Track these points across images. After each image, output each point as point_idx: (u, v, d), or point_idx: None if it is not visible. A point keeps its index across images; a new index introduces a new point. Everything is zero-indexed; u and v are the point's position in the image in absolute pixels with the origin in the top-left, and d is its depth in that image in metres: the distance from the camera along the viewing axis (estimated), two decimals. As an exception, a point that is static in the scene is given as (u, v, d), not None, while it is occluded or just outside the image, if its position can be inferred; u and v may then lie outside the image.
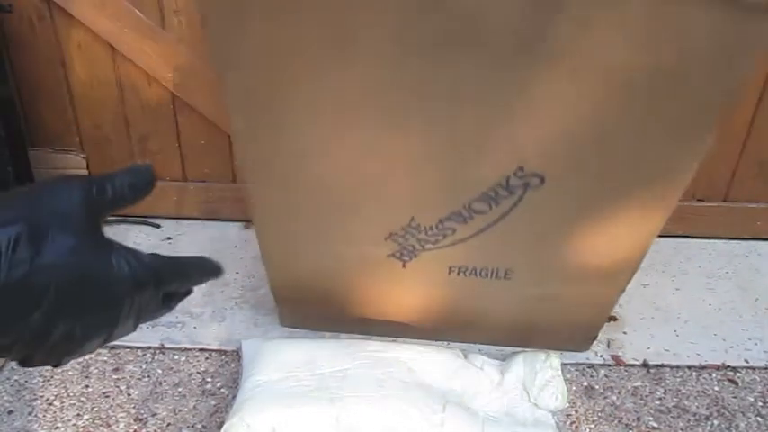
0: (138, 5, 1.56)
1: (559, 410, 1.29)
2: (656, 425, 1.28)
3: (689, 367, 1.42)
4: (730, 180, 1.75)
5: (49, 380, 1.34)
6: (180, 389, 1.34)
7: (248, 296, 1.58)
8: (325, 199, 1.15)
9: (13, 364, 1.37)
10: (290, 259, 1.30)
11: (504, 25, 0.89)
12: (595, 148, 1.02)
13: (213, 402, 1.31)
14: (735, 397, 1.35)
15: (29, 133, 1.72)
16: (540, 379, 1.32)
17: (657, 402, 1.33)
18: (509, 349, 1.42)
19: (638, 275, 1.67)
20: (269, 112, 1.03)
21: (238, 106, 1.03)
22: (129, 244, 0.40)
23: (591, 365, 1.41)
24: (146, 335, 1.45)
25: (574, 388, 1.35)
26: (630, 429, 1.27)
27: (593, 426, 1.27)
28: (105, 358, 1.40)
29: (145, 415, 1.28)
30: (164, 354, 1.42)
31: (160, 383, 1.35)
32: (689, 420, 1.29)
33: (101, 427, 1.25)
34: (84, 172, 1.78)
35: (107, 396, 1.31)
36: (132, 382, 1.35)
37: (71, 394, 1.31)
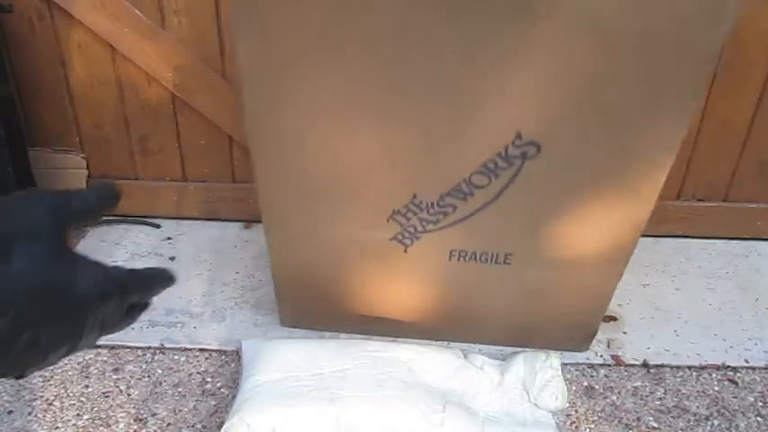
0: (138, 5, 1.56)
1: (559, 410, 1.29)
2: (656, 425, 1.28)
3: (689, 367, 1.42)
4: (730, 180, 1.75)
5: (48, 380, 1.34)
6: (180, 389, 1.34)
7: (248, 296, 1.58)
8: (329, 176, 1.17)
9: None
10: (294, 244, 1.30)
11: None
12: (588, 113, 1.04)
13: (213, 402, 1.31)
14: (735, 397, 1.35)
15: (29, 133, 1.72)
16: (540, 379, 1.32)
17: (657, 402, 1.33)
18: (509, 349, 1.42)
19: (638, 275, 1.67)
20: (280, 86, 1.06)
21: (253, 75, 1.05)
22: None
23: (591, 365, 1.41)
24: (146, 335, 1.45)
25: (574, 388, 1.35)
26: (631, 429, 1.27)
27: (593, 426, 1.27)
28: (105, 358, 1.40)
29: (145, 415, 1.28)
30: (164, 354, 1.42)
31: (160, 383, 1.35)
32: (689, 420, 1.29)
33: (101, 427, 1.25)
34: (84, 172, 1.78)
35: (107, 396, 1.31)
36: (132, 383, 1.35)
37: (71, 394, 1.32)
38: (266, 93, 1.07)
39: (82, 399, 1.31)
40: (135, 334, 1.44)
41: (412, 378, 1.29)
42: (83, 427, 1.25)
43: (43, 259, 0.38)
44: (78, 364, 1.38)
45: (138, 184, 1.82)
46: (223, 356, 1.42)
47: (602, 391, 1.35)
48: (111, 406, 1.29)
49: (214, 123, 1.71)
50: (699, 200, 1.78)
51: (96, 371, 1.37)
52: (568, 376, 1.37)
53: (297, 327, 1.48)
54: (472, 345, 1.43)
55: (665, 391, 1.36)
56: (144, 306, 0.47)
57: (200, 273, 1.66)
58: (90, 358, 1.39)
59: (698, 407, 1.32)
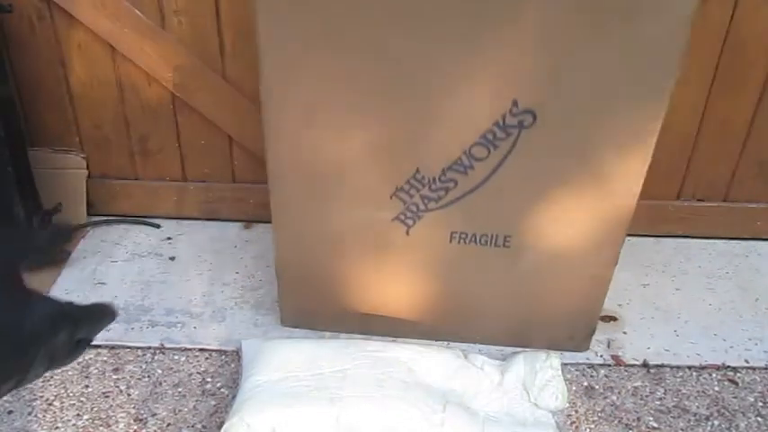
0: (138, 5, 1.56)
1: (559, 410, 1.29)
2: (656, 425, 1.28)
3: (689, 367, 1.41)
4: (730, 180, 1.75)
5: (48, 380, 1.34)
6: (180, 389, 1.34)
7: (248, 296, 1.58)
8: (336, 151, 1.19)
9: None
10: (300, 229, 1.31)
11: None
12: (578, 79, 1.09)
13: (213, 402, 1.31)
14: (735, 397, 1.35)
15: (29, 133, 1.72)
16: (540, 379, 1.32)
17: (658, 402, 1.33)
18: (509, 349, 1.42)
19: (638, 275, 1.67)
20: (295, 62, 1.11)
21: (270, 51, 1.10)
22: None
23: (591, 365, 1.41)
24: (146, 335, 1.45)
25: (574, 388, 1.35)
26: (631, 429, 1.27)
27: (593, 426, 1.27)
28: (105, 358, 1.40)
29: (145, 415, 1.28)
30: (164, 354, 1.42)
31: (160, 383, 1.35)
32: (689, 420, 1.29)
33: (100, 428, 1.25)
34: (84, 172, 1.78)
35: (107, 396, 1.31)
36: (132, 383, 1.35)
37: (71, 394, 1.31)
38: (282, 67, 1.12)
39: (82, 399, 1.31)
40: (135, 334, 1.44)
41: (412, 378, 1.29)
42: (83, 427, 1.25)
43: None
44: (78, 364, 1.38)
45: (138, 184, 1.82)
46: (223, 356, 1.42)
47: (602, 391, 1.35)
48: (111, 406, 1.29)
49: (214, 123, 1.71)
50: (699, 200, 1.78)
51: (96, 371, 1.37)
52: (568, 376, 1.37)
53: (297, 326, 1.48)
54: (472, 345, 1.43)
55: (665, 391, 1.36)
56: (89, 341, 0.48)
57: (200, 273, 1.66)
58: (90, 358, 1.39)
59: (698, 407, 1.32)
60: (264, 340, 1.39)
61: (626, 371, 1.40)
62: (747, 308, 1.59)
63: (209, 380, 1.36)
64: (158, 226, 1.83)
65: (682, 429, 1.28)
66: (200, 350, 1.43)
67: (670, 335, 1.50)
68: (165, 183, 1.81)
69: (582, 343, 1.42)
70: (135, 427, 1.25)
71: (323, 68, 1.11)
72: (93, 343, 1.47)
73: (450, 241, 1.28)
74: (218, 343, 1.44)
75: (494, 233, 1.26)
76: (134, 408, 1.29)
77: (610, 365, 1.41)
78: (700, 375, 1.40)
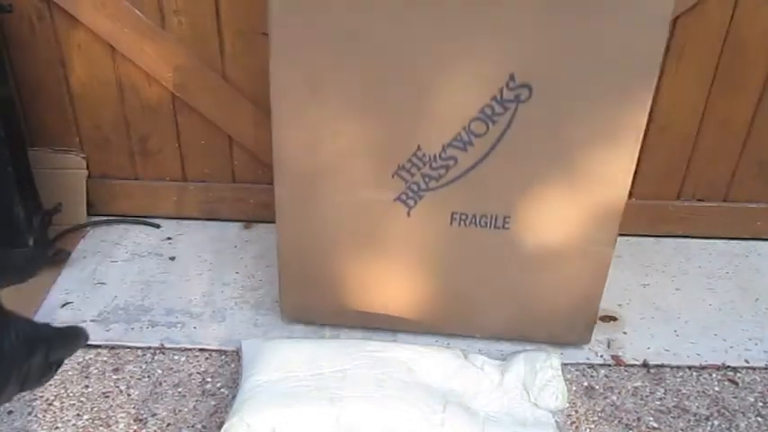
0: (138, 5, 1.56)
1: (559, 410, 1.29)
2: (656, 425, 1.28)
3: (689, 367, 1.42)
4: (730, 180, 1.75)
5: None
6: (180, 389, 1.34)
7: (248, 296, 1.58)
8: (339, 127, 1.22)
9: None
10: (303, 213, 1.32)
11: None
12: (572, 52, 1.12)
13: (213, 402, 1.31)
14: (735, 397, 1.35)
15: (29, 133, 1.72)
16: (540, 379, 1.32)
17: (658, 402, 1.33)
18: (509, 349, 1.42)
19: (638, 275, 1.67)
20: (303, 34, 1.15)
21: (280, 19, 1.14)
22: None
23: (591, 365, 1.41)
24: (146, 335, 1.45)
25: (574, 388, 1.35)
26: (631, 430, 1.27)
27: (593, 426, 1.27)
28: (105, 358, 1.40)
29: (145, 415, 1.28)
30: (164, 354, 1.42)
31: (160, 384, 1.35)
32: (689, 421, 1.29)
33: (100, 428, 1.25)
34: (84, 172, 1.78)
35: (107, 396, 1.31)
36: (132, 383, 1.35)
37: (71, 394, 1.31)
38: (288, 51, 1.16)
39: (82, 399, 1.31)
40: (135, 334, 1.44)
41: (412, 378, 1.29)
42: (83, 427, 1.25)
43: None
44: (78, 364, 1.38)
45: (138, 184, 1.82)
46: (223, 356, 1.41)
47: (602, 391, 1.35)
48: (111, 406, 1.29)
49: (214, 123, 1.71)
50: (699, 200, 1.78)
51: (96, 371, 1.37)
52: (568, 376, 1.37)
53: (298, 320, 1.48)
54: (472, 343, 1.43)
55: (666, 391, 1.36)
56: (60, 364, 0.49)
57: (200, 273, 1.66)
58: (90, 358, 1.40)
59: (698, 407, 1.32)
60: (264, 340, 1.39)
61: (626, 371, 1.40)
62: (747, 308, 1.59)
63: (209, 380, 1.36)
64: (158, 226, 1.83)
65: (682, 429, 1.28)
66: (200, 350, 1.43)
67: (670, 335, 1.50)
68: (165, 183, 1.81)
69: (583, 335, 1.41)
70: (135, 427, 1.25)
71: (325, 49, 1.15)
72: (94, 343, 1.47)
73: (451, 223, 1.29)
74: (218, 343, 1.44)
75: (493, 214, 1.28)
76: (134, 408, 1.29)
77: (610, 365, 1.41)
78: (700, 375, 1.40)
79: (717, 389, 1.37)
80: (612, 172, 1.23)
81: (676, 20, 1.52)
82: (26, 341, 0.41)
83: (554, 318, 1.39)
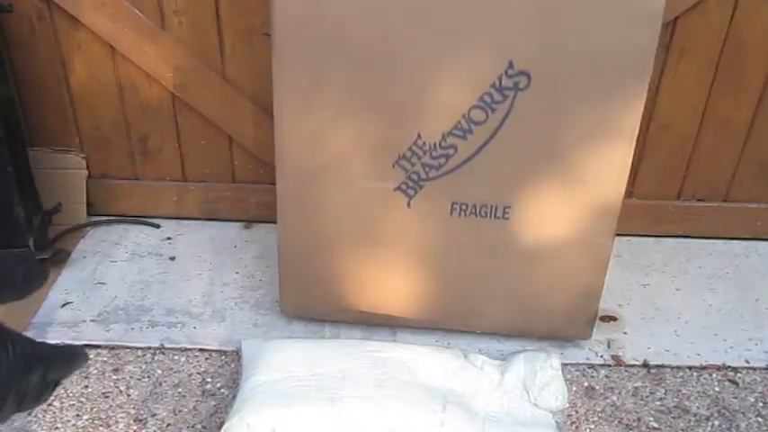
0: (138, 5, 1.56)
1: (559, 410, 1.29)
2: (656, 425, 1.28)
3: (689, 367, 1.41)
4: (730, 180, 1.75)
5: (48, 380, 1.34)
6: (180, 389, 1.34)
7: (248, 296, 1.58)
8: (341, 117, 1.22)
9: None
10: (304, 202, 1.32)
11: None
12: (569, 39, 1.14)
13: (213, 403, 1.31)
14: (735, 397, 1.35)
15: (29, 133, 1.72)
16: (540, 379, 1.32)
17: (658, 403, 1.33)
18: (509, 349, 1.42)
19: (638, 275, 1.67)
20: (306, 25, 1.16)
21: (282, 33, 1.16)
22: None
23: (591, 366, 1.41)
24: (146, 335, 1.45)
25: (574, 388, 1.35)
26: (631, 430, 1.27)
27: (593, 426, 1.27)
28: (105, 358, 1.40)
29: (145, 415, 1.28)
30: (164, 354, 1.41)
31: (160, 384, 1.35)
32: (689, 421, 1.29)
33: (100, 428, 1.25)
34: (84, 172, 1.78)
35: (107, 396, 1.31)
36: (132, 383, 1.35)
37: (71, 395, 1.31)
38: (293, 36, 1.17)
39: (82, 399, 1.31)
40: (135, 334, 1.44)
41: (412, 378, 1.29)
42: (83, 427, 1.25)
43: None
44: (78, 364, 1.38)
45: (138, 184, 1.82)
46: (223, 357, 1.41)
47: (602, 391, 1.35)
48: (111, 406, 1.29)
49: (214, 123, 1.71)
50: (699, 200, 1.78)
51: (96, 371, 1.37)
52: (568, 376, 1.37)
53: (298, 316, 1.48)
54: (472, 343, 1.43)
55: (666, 391, 1.36)
56: (57, 384, 0.47)
57: (200, 273, 1.66)
58: (90, 358, 1.39)
59: (698, 407, 1.32)
60: (264, 340, 1.39)
61: (626, 371, 1.40)
62: (747, 308, 1.59)
63: (209, 380, 1.36)
64: (158, 226, 1.83)
65: (682, 430, 1.28)
66: (200, 350, 1.43)
67: (670, 335, 1.50)
68: (165, 183, 1.81)
69: (583, 329, 1.41)
70: (135, 428, 1.25)
71: (326, 42, 1.16)
72: (94, 343, 1.47)
73: (451, 213, 1.29)
74: (218, 343, 1.44)
75: (493, 204, 1.28)
76: (134, 408, 1.29)
77: (610, 365, 1.41)
78: (700, 375, 1.40)
79: (717, 389, 1.37)
80: (611, 162, 1.23)
81: (676, 20, 1.52)
82: (24, 359, 0.40)
83: (554, 310, 1.39)
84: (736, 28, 1.53)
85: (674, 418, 1.30)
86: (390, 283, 1.39)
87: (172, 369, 1.38)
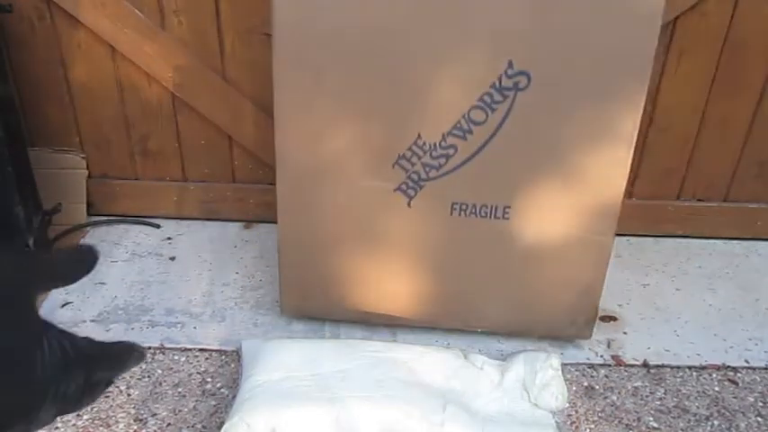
0: (138, 5, 1.56)
1: (559, 410, 1.29)
2: (656, 425, 1.28)
3: (689, 367, 1.41)
4: (730, 180, 1.75)
5: (48, 380, 1.34)
6: (180, 389, 1.34)
7: (248, 296, 1.58)
8: (341, 117, 1.23)
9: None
10: (304, 203, 1.32)
11: None
12: (568, 40, 1.14)
13: (213, 402, 1.31)
14: (735, 397, 1.35)
15: (29, 133, 1.72)
16: (540, 379, 1.32)
17: (658, 403, 1.33)
18: (509, 349, 1.42)
19: (638, 275, 1.67)
20: (307, 25, 1.17)
21: (282, 37, 1.16)
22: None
23: (591, 365, 1.41)
24: (146, 335, 1.45)
25: (574, 388, 1.35)
26: (631, 429, 1.27)
27: (593, 426, 1.27)
28: (105, 358, 1.40)
29: (145, 415, 1.28)
30: (164, 354, 1.41)
31: (160, 384, 1.35)
32: (689, 421, 1.29)
33: (101, 428, 1.25)
34: (84, 172, 1.78)
35: (107, 396, 1.31)
36: (132, 383, 1.35)
37: (71, 394, 1.31)
38: (292, 46, 1.17)
39: (82, 399, 1.31)
40: (135, 334, 1.44)
41: (412, 378, 1.29)
42: (83, 427, 1.25)
43: (6, 327, 0.34)
44: (78, 364, 1.38)
45: (138, 184, 1.82)
46: (223, 356, 1.41)
47: (602, 391, 1.35)
48: (111, 406, 1.29)
49: (214, 123, 1.71)
50: (699, 200, 1.78)
51: (96, 371, 1.37)
52: (568, 376, 1.37)
53: (298, 315, 1.47)
54: (472, 343, 1.43)
55: (666, 391, 1.36)
56: (109, 383, 0.43)
57: (200, 273, 1.66)
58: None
59: (698, 407, 1.32)
60: (264, 340, 1.39)
61: (626, 371, 1.40)
62: (747, 308, 1.59)
63: (209, 380, 1.36)
64: (158, 226, 1.83)
65: (682, 429, 1.28)
66: (201, 350, 1.43)
67: (670, 335, 1.50)
68: (165, 183, 1.82)
69: (583, 329, 1.41)
70: (135, 427, 1.25)
71: (327, 42, 1.16)
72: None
73: (451, 213, 1.29)
74: (218, 343, 1.44)
75: (493, 204, 1.28)
76: (134, 408, 1.29)
77: (610, 365, 1.41)
78: (700, 375, 1.40)
79: (717, 389, 1.37)
80: (610, 161, 1.23)
81: (676, 20, 1.52)
82: (63, 358, 0.36)
83: (554, 309, 1.39)
84: (736, 28, 1.53)
85: (673, 417, 1.30)
86: (390, 282, 1.39)
87: (172, 369, 1.38)
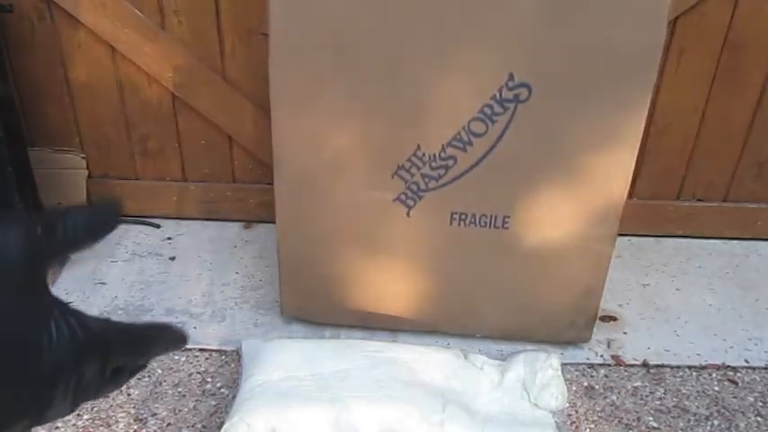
0: (138, 5, 1.56)
1: (559, 410, 1.29)
2: (656, 425, 1.28)
3: (689, 367, 1.41)
4: (730, 180, 1.75)
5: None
6: (180, 389, 1.34)
7: (248, 296, 1.58)
8: (339, 130, 1.22)
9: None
10: (302, 210, 1.32)
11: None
12: (571, 51, 1.13)
13: (213, 402, 1.31)
14: (735, 397, 1.35)
15: (29, 133, 1.72)
16: (540, 379, 1.32)
17: (657, 402, 1.33)
18: (509, 349, 1.42)
19: (638, 275, 1.67)
20: (302, 38, 1.16)
21: (280, 25, 1.14)
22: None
23: (591, 365, 1.41)
24: (146, 335, 1.45)
25: (574, 388, 1.35)
26: (631, 429, 1.27)
27: (593, 426, 1.27)
28: (105, 358, 1.40)
29: (145, 415, 1.28)
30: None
31: (160, 383, 1.35)
32: (689, 420, 1.29)
33: (101, 428, 1.25)
34: (84, 172, 1.78)
35: (107, 396, 1.31)
36: (132, 382, 1.34)
37: (71, 394, 1.31)
38: (288, 53, 1.16)
39: (82, 399, 1.31)
40: (135, 334, 1.44)
41: (412, 378, 1.29)
42: (83, 427, 1.25)
43: (7, 310, 0.30)
44: (78, 364, 1.38)
45: (138, 184, 1.82)
46: (223, 356, 1.42)
47: (602, 391, 1.35)
48: (111, 406, 1.29)
49: (214, 123, 1.71)
50: (699, 200, 1.78)
51: (96, 371, 1.37)
52: (568, 376, 1.37)
53: (298, 317, 1.48)
54: (472, 343, 1.43)
55: (665, 391, 1.36)
56: (138, 368, 0.38)
57: (200, 273, 1.66)
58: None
59: (698, 407, 1.32)
60: (264, 340, 1.39)
61: (626, 371, 1.40)
62: (747, 308, 1.59)
63: (209, 380, 1.36)
64: (158, 226, 1.83)
65: (681, 429, 1.28)
66: (201, 350, 1.43)
67: (670, 335, 1.50)
68: (165, 183, 1.81)
69: (583, 333, 1.41)
70: (135, 427, 1.25)
71: (325, 51, 1.15)
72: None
73: (451, 223, 1.29)
74: (218, 343, 1.44)
75: (493, 213, 1.28)
76: (134, 408, 1.29)
77: (610, 365, 1.41)
78: (700, 375, 1.40)
79: (717, 389, 1.37)
80: (612, 171, 1.23)
81: (676, 20, 1.52)
82: (74, 342, 0.31)
83: (554, 316, 1.39)
84: (736, 28, 1.53)
85: (673, 417, 1.30)
86: (390, 287, 1.39)
87: (172, 369, 1.38)
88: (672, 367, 1.41)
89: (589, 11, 1.10)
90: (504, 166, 1.22)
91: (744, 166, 1.73)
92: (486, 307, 1.40)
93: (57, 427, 1.24)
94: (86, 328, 0.32)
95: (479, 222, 1.29)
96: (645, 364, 1.41)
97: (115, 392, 1.31)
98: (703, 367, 1.42)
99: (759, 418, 1.30)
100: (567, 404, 1.30)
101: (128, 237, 1.78)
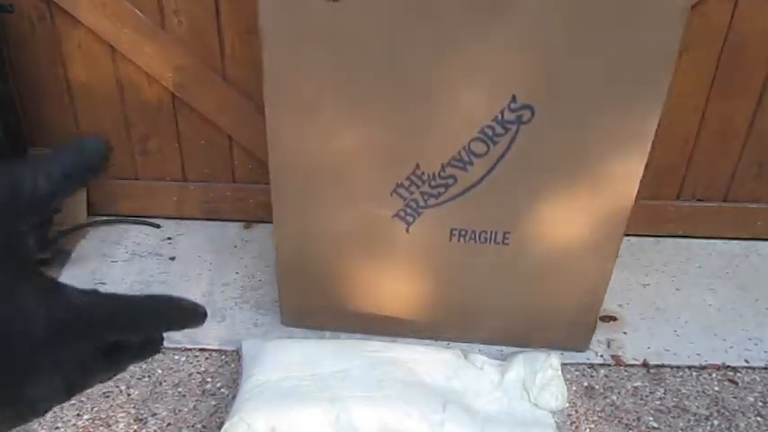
0: (138, 5, 1.56)
1: (559, 410, 1.29)
2: (656, 425, 1.28)
3: (689, 367, 1.41)
4: (730, 180, 1.75)
5: (48, 380, 1.34)
6: (180, 389, 1.34)
7: (248, 296, 1.58)
8: (337, 147, 1.20)
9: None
10: (301, 228, 1.31)
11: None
12: (575, 73, 1.10)
13: (213, 402, 1.31)
14: (735, 397, 1.35)
15: (29, 133, 1.72)
16: (540, 379, 1.32)
17: (657, 402, 1.33)
18: (509, 349, 1.42)
19: (638, 275, 1.67)
20: (298, 56, 1.13)
21: (273, 46, 1.12)
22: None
23: (591, 365, 1.41)
24: (146, 335, 1.45)
25: (574, 388, 1.35)
26: (631, 429, 1.27)
27: (593, 426, 1.27)
28: (105, 358, 1.40)
29: (145, 415, 1.28)
30: (164, 354, 1.41)
31: (160, 383, 1.35)
32: (689, 420, 1.29)
33: (101, 428, 1.25)
34: (84, 172, 1.77)
35: (107, 396, 1.31)
36: (132, 382, 1.35)
37: (71, 394, 1.31)
38: (285, 62, 1.13)
39: (82, 399, 1.31)
40: (135, 334, 1.44)
41: (412, 378, 1.29)
42: (83, 427, 1.25)
43: None
44: (78, 364, 1.38)
45: (138, 184, 1.82)
46: (223, 356, 1.41)
47: (602, 391, 1.35)
48: (112, 406, 1.29)
49: (214, 123, 1.71)
50: (699, 200, 1.78)
51: (96, 371, 1.37)
52: (568, 376, 1.37)
53: (298, 325, 1.48)
54: (472, 345, 1.43)
55: (665, 391, 1.36)
56: (146, 349, 0.34)
57: (200, 273, 1.66)
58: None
59: (698, 407, 1.32)
60: (264, 340, 1.39)
61: (626, 371, 1.40)
62: (747, 308, 1.59)
63: (209, 380, 1.36)
64: (158, 226, 1.83)
65: (681, 429, 1.28)
66: (201, 350, 1.43)
67: (670, 335, 1.50)
68: (165, 183, 1.81)
69: (582, 341, 1.42)
70: (135, 427, 1.25)
71: (324, 65, 1.12)
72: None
73: (450, 239, 1.28)
74: (218, 343, 1.44)
75: (493, 230, 1.27)
76: (134, 408, 1.29)
77: (610, 365, 1.41)
78: (700, 375, 1.40)
79: (717, 389, 1.37)
80: (617, 190, 1.21)
81: (676, 20, 1.52)
82: (51, 319, 0.27)
83: (553, 328, 1.40)
84: (736, 28, 1.53)
85: (673, 417, 1.30)
86: (389, 301, 1.39)
87: (172, 369, 1.38)
88: (672, 367, 1.41)
89: (596, 37, 1.07)
90: (504, 185, 1.20)
91: (744, 166, 1.72)
92: (485, 319, 1.40)
93: (57, 428, 1.24)
94: (68, 303, 0.28)
95: (479, 238, 1.28)
96: (645, 364, 1.41)
97: (115, 379, 1.31)
98: (703, 367, 1.42)
99: (759, 418, 1.30)
100: (567, 404, 1.30)
101: (128, 237, 1.78)
